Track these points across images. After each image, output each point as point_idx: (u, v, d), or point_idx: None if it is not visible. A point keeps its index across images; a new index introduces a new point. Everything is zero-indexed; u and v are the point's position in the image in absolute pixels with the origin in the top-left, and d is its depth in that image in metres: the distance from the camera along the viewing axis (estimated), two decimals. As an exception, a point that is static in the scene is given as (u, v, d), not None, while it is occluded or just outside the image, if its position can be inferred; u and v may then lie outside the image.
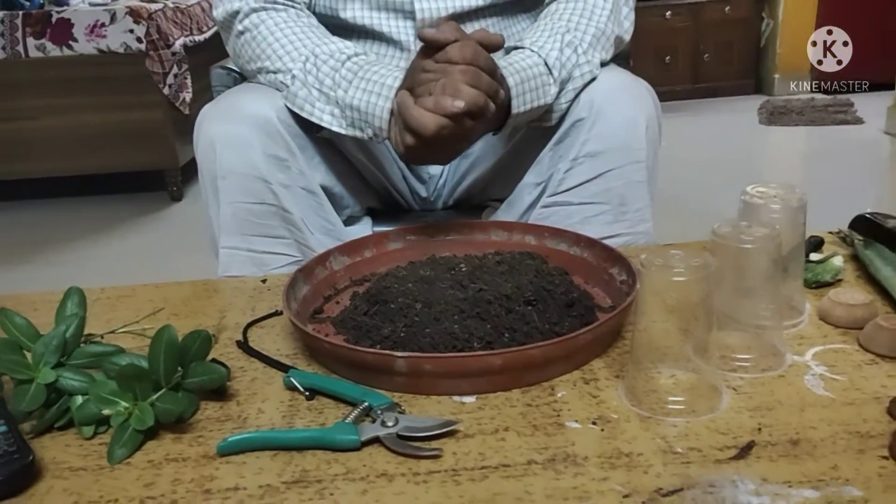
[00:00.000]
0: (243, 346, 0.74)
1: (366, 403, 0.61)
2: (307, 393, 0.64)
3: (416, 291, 0.73)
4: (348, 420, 0.59)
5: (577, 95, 0.94)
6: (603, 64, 0.97)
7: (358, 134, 0.92)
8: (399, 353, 0.63)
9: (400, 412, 0.60)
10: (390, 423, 0.58)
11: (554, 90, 0.91)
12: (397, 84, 0.87)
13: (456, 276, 0.76)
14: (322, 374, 0.68)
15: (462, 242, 0.90)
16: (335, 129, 0.93)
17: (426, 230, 0.92)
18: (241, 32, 0.98)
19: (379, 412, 0.60)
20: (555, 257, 0.85)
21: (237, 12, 0.98)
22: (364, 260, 0.88)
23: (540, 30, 0.95)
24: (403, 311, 0.71)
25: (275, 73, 0.95)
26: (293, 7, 0.99)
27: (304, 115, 0.93)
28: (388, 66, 0.91)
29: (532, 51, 0.91)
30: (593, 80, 0.95)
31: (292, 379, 0.65)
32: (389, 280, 0.77)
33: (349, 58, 0.92)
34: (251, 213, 0.94)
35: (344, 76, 0.91)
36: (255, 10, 0.97)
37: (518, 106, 0.88)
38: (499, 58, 0.90)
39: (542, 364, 0.64)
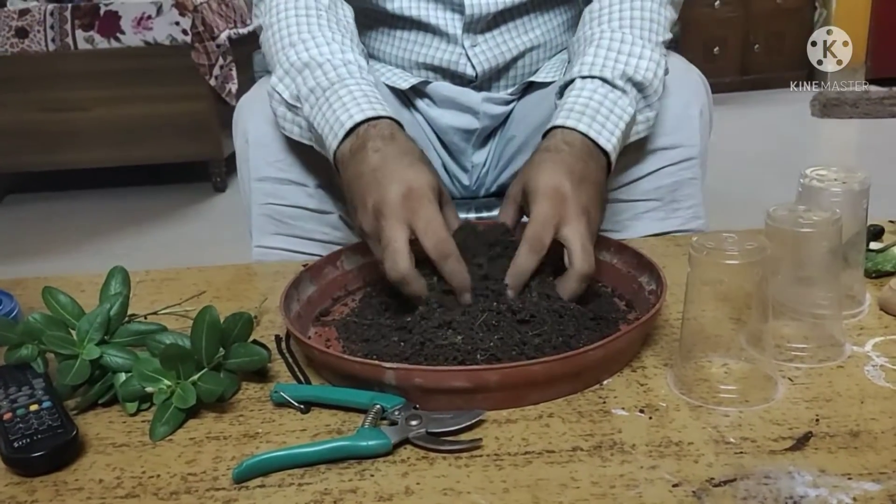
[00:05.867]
0: (280, 344, 0.69)
1: (378, 406, 0.56)
2: (301, 406, 0.59)
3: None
4: (366, 425, 0.55)
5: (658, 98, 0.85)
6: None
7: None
8: (387, 364, 0.58)
9: (415, 409, 0.56)
10: (415, 423, 0.55)
11: (628, 100, 0.81)
12: (352, 122, 0.76)
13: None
14: (319, 383, 0.64)
15: (485, 244, 0.81)
16: (305, 141, 0.87)
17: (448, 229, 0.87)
18: (260, 27, 0.96)
19: (396, 413, 0.56)
20: None
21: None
22: (378, 260, 0.82)
23: (584, 44, 0.85)
24: (404, 319, 0.65)
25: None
26: None
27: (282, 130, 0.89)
28: (357, 87, 0.79)
29: (582, 78, 0.82)
30: (666, 73, 0.87)
31: (282, 393, 0.60)
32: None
33: (318, 64, 0.82)
34: (285, 215, 0.94)
35: (312, 89, 0.82)
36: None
37: (607, 142, 0.77)
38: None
39: (544, 382, 0.58)
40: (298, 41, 0.85)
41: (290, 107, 0.85)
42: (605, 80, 0.81)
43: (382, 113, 0.77)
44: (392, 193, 0.68)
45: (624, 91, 0.81)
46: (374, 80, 0.84)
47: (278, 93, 0.86)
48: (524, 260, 0.67)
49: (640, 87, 0.83)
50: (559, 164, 0.72)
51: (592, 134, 0.76)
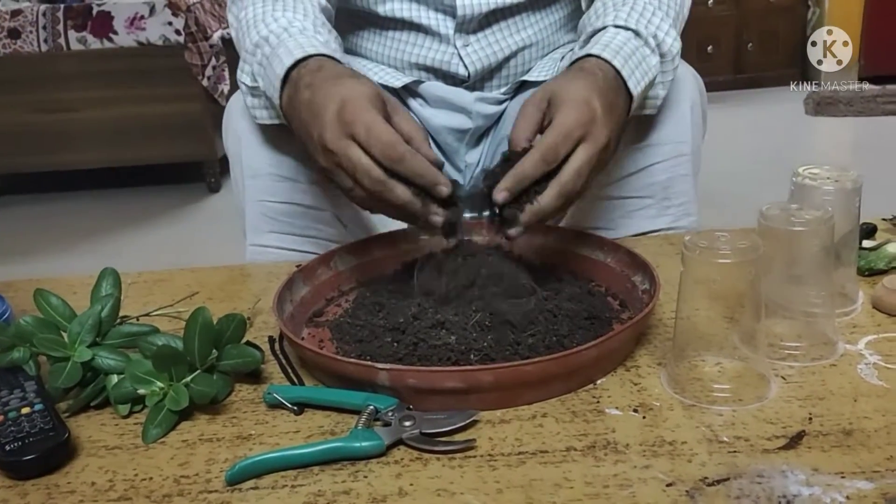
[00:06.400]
0: (273, 346, 0.69)
1: (371, 407, 0.56)
2: (295, 407, 0.59)
3: (416, 298, 0.67)
4: (359, 426, 0.54)
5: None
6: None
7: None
8: (380, 365, 0.58)
9: (409, 409, 0.56)
10: (409, 424, 0.54)
11: (655, 60, 0.80)
12: (283, 69, 0.75)
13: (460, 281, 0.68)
14: (312, 384, 0.63)
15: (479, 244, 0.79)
16: (276, 121, 0.85)
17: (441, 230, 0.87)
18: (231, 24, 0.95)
19: (389, 414, 0.56)
20: (576, 262, 0.79)
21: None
22: (372, 260, 0.83)
23: (613, 7, 0.84)
24: (397, 319, 0.65)
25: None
26: None
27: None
28: (293, 40, 0.77)
29: (615, 27, 0.80)
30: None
31: (275, 395, 0.60)
32: (387, 284, 0.74)
33: (265, 39, 0.80)
34: (279, 212, 0.94)
35: (260, 61, 0.81)
36: None
37: (635, 87, 0.76)
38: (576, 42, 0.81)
39: (538, 382, 0.58)
40: (253, 27, 0.85)
41: (253, 90, 0.85)
42: (637, 34, 0.80)
43: (311, 51, 0.75)
44: (328, 116, 0.66)
45: (653, 51, 0.80)
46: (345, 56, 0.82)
47: (243, 83, 0.86)
48: (531, 166, 0.64)
49: (663, 56, 0.83)
50: (593, 83, 0.70)
51: (625, 73, 0.74)
